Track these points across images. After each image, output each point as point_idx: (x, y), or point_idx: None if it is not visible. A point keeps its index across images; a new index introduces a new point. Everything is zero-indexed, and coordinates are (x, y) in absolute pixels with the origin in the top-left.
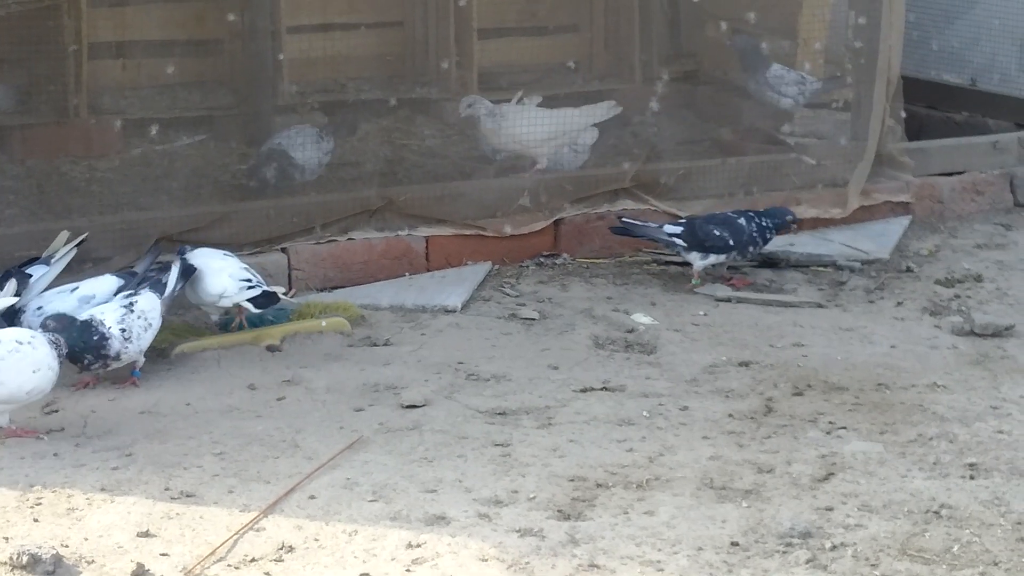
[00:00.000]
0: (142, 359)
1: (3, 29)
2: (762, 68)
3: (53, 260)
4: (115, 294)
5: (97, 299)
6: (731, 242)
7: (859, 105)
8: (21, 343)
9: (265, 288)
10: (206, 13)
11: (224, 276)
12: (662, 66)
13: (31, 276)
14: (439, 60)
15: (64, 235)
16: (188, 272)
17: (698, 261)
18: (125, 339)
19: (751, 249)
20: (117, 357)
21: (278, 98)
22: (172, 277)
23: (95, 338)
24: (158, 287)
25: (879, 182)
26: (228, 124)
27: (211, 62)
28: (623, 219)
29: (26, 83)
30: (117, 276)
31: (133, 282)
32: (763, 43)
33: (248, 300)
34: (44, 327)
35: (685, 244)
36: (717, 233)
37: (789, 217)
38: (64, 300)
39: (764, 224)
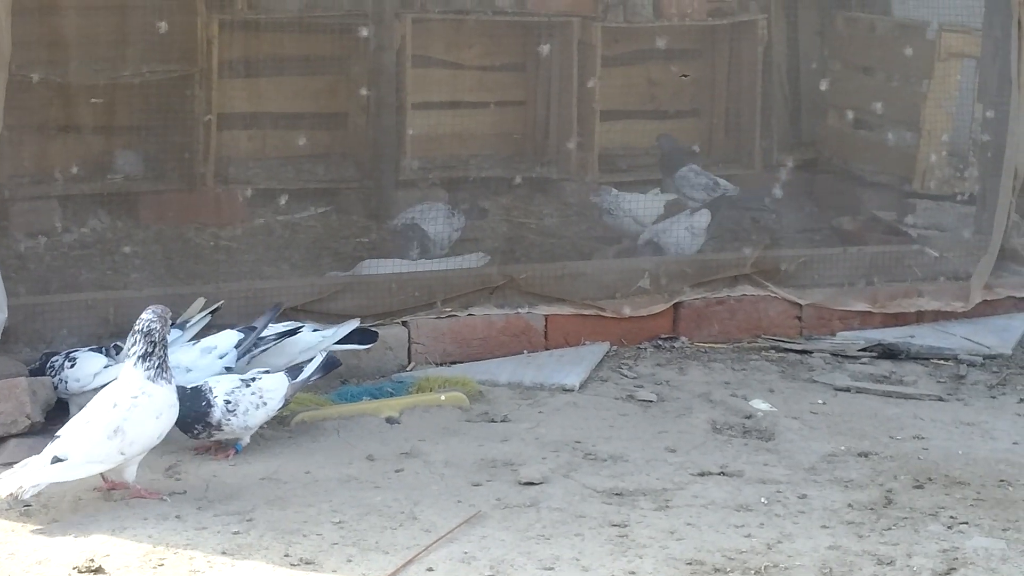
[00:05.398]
0: (247, 438)
1: (135, 97)
2: (676, 167)
3: (188, 325)
4: (236, 347)
5: (218, 350)
6: None
7: (984, 198)
8: (138, 395)
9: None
10: (333, 87)
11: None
12: (783, 153)
13: None
14: (561, 140)
15: (200, 301)
16: (331, 366)
17: None
18: (229, 411)
19: None
20: (219, 427)
21: (400, 173)
22: (312, 367)
23: (202, 404)
24: (294, 371)
25: (1003, 277)
26: (350, 197)
27: (335, 135)
28: None
29: (155, 150)
30: (238, 331)
31: (251, 337)
32: (689, 145)
33: (341, 341)
34: None
35: None
36: None
37: None
38: (187, 352)
39: None
